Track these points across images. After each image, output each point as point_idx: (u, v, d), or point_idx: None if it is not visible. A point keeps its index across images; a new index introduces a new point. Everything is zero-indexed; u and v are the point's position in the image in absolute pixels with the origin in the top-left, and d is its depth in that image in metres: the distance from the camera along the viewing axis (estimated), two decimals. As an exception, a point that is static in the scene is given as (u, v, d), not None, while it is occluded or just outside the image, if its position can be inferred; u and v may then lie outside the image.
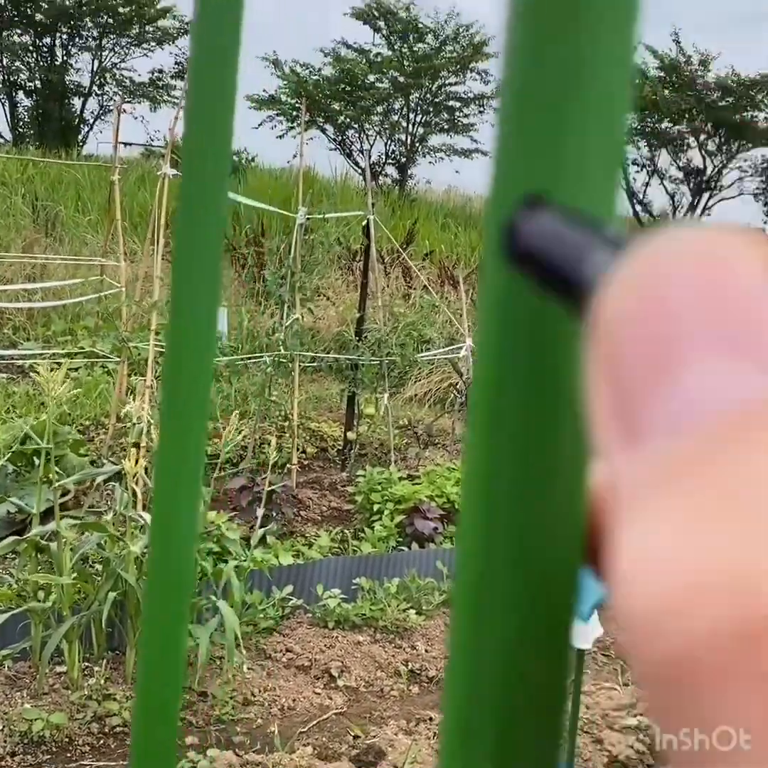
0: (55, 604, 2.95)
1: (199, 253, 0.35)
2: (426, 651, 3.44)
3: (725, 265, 0.15)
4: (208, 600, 3.10)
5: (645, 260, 0.16)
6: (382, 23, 19.37)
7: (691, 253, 0.15)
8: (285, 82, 19.75)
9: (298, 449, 5.11)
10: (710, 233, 0.16)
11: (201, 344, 0.36)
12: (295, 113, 18.97)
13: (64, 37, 20.00)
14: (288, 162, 17.53)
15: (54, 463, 3.19)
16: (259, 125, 20.18)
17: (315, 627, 3.53)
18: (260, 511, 3.71)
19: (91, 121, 20.65)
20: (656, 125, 19.05)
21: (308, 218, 5.15)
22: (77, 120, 20.56)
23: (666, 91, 18.36)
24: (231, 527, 3.45)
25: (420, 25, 19.18)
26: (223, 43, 0.35)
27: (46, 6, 18.95)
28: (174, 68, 20.74)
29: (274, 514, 4.19)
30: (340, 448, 5.58)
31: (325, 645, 3.40)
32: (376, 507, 4.38)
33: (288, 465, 4.90)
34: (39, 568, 3.15)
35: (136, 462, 3.07)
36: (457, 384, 6.11)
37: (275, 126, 20.29)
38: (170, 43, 20.10)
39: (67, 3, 19.10)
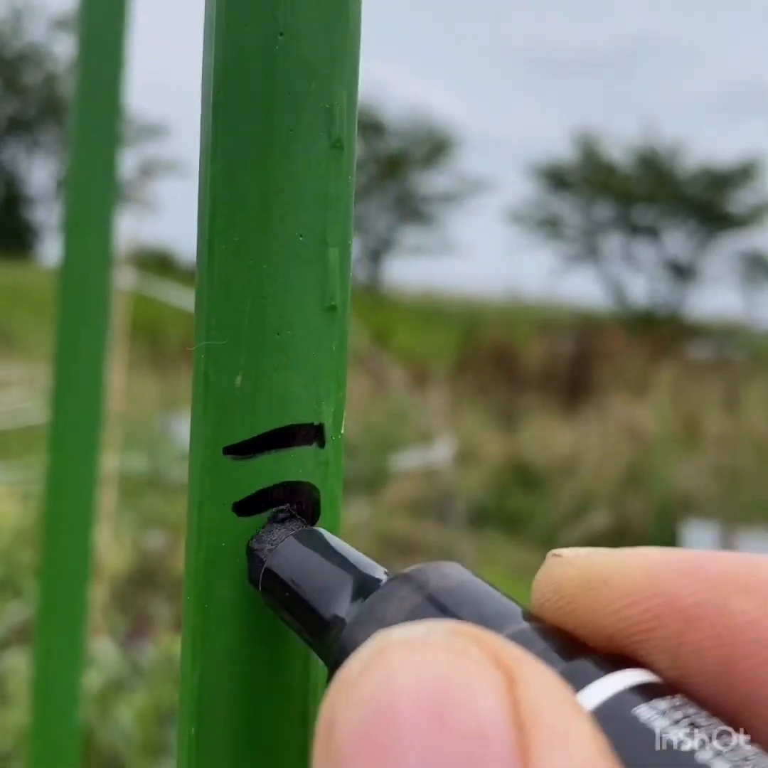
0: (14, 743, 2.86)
1: (82, 359, 0.37)
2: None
3: (458, 710, 0.14)
4: (172, 736, 3.02)
5: (377, 670, 0.15)
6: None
7: (427, 675, 0.14)
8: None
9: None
10: (460, 650, 0.15)
11: (83, 469, 0.37)
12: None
13: (24, 145, 20.45)
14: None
15: (12, 589, 3.14)
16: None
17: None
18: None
19: (54, 228, 20.97)
20: (633, 216, 19.55)
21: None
22: (38, 229, 20.87)
23: (641, 182, 18.90)
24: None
25: (382, 124, 19.77)
26: (102, 154, 0.38)
27: (5, 116, 19.43)
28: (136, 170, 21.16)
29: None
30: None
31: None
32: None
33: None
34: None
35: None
36: (439, 490, 6.10)
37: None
38: (130, 146, 20.56)
39: (27, 114, 19.58)
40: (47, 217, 20.84)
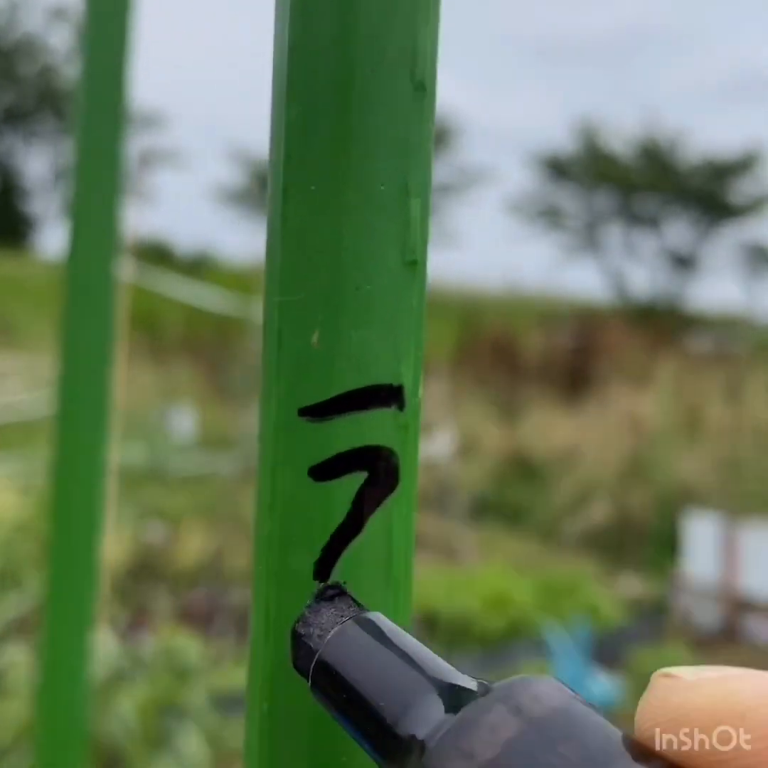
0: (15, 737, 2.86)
1: (87, 350, 0.37)
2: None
3: None
4: (173, 728, 3.03)
5: None
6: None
7: None
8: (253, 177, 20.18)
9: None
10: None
11: (91, 459, 0.37)
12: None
13: (21, 136, 20.42)
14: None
15: (11, 582, 3.14)
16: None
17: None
18: (228, 627, 3.66)
19: (53, 219, 20.94)
20: (633, 206, 19.52)
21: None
22: (35, 220, 20.84)
23: (642, 172, 18.87)
24: (193, 645, 3.39)
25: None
26: (107, 144, 0.38)
27: (1, 107, 19.40)
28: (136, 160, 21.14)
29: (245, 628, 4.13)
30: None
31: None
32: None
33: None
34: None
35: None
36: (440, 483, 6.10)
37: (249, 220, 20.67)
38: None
39: (23, 105, 19.55)
40: (44, 208, 20.82)
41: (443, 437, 5.74)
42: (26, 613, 4.03)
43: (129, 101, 0.43)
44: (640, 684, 3.49)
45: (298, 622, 0.20)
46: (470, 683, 0.18)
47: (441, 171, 20.50)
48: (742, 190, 18.82)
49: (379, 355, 0.21)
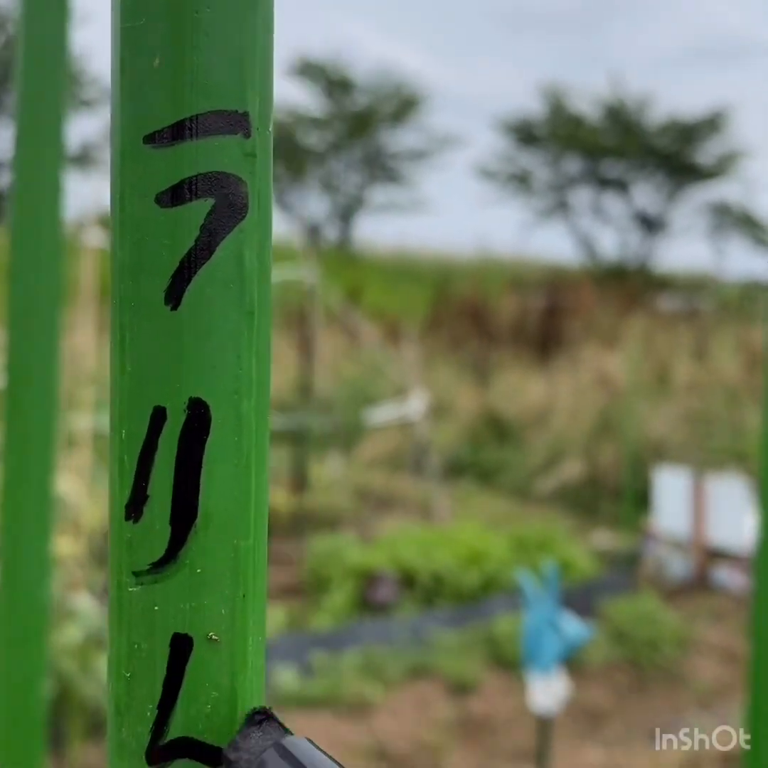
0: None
1: (36, 313, 0.36)
2: (390, 727, 3.39)
3: None
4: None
5: None
6: (312, 81, 19.73)
7: None
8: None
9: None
10: None
11: (43, 403, 0.36)
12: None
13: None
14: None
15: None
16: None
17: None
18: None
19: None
20: (601, 170, 19.53)
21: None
22: (0, 193, 20.58)
23: (609, 135, 18.86)
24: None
25: (350, 81, 19.58)
26: (49, 111, 0.37)
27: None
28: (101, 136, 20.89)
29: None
30: (290, 517, 5.55)
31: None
32: (329, 577, 4.34)
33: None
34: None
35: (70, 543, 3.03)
36: (412, 444, 6.12)
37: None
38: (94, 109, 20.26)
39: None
40: (8, 181, 20.51)
41: (417, 399, 5.75)
42: None
43: (69, 75, 0.42)
44: (613, 631, 3.54)
45: (228, 747, 0.21)
46: None
47: (411, 137, 20.39)
48: (708, 151, 18.86)
49: (224, 81, 0.21)
